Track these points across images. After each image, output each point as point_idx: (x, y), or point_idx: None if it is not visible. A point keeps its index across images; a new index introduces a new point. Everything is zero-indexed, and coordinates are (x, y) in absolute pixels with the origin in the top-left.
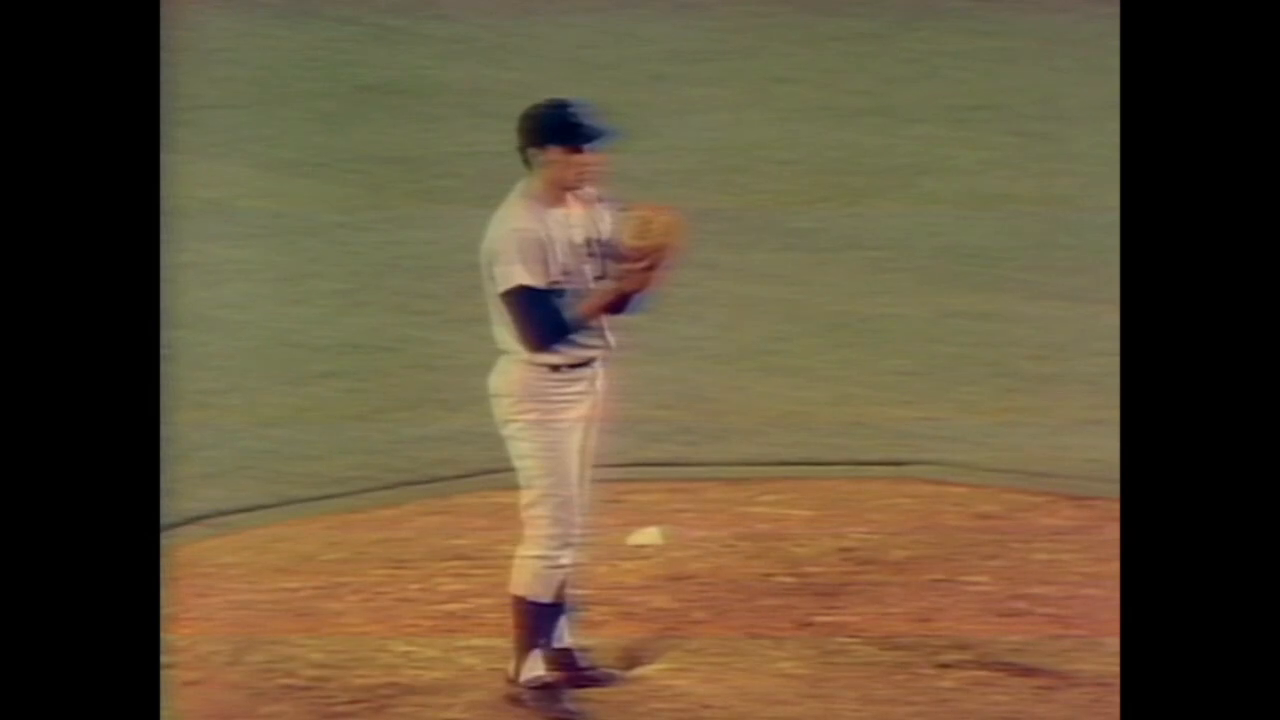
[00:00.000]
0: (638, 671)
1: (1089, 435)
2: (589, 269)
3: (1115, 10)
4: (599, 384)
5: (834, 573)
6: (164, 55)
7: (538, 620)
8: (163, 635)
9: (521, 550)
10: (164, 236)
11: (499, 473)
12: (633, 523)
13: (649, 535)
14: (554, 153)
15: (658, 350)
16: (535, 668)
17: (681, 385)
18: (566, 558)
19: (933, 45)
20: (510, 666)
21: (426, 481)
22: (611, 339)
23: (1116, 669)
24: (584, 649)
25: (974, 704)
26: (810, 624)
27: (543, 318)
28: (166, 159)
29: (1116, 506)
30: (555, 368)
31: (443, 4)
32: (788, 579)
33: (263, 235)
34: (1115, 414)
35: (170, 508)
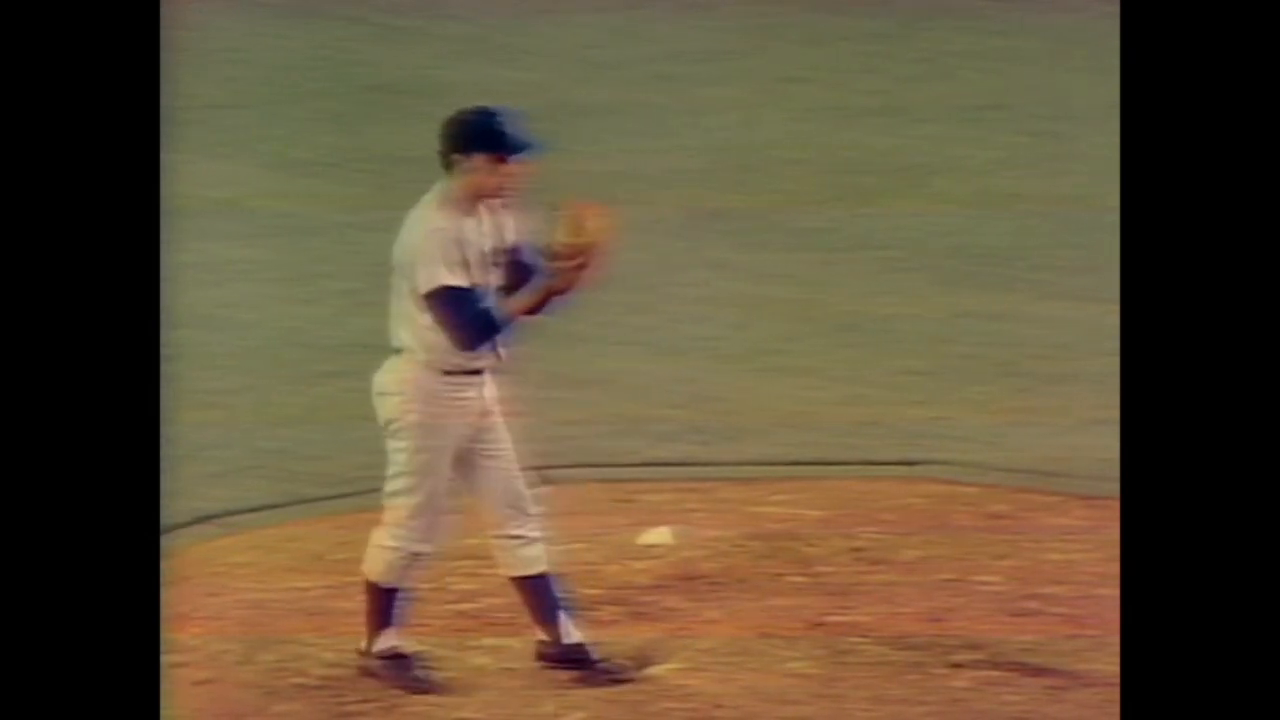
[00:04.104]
0: (649, 671)
1: (1100, 435)
2: (493, 279)
3: None
4: (487, 392)
5: (845, 572)
6: (172, 55)
7: (389, 603)
8: (163, 636)
9: (377, 538)
10: (173, 236)
11: None
12: (644, 522)
13: (660, 535)
14: (478, 160)
15: (669, 350)
16: (388, 640)
17: (693, 385)
18: (425, 549)
19: (943, 45)
20: (362, 643)
21: None
22: (504, 352)
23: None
24: (595, 644)
25: (986, 704)
26: (822, 624)
27: (473, 316)
28: (176, 159)
29: None
30: (448, 372)
31: (451, 4)
32: (799, 579)
33: (272, 235)
34: None
35: (180, 507)
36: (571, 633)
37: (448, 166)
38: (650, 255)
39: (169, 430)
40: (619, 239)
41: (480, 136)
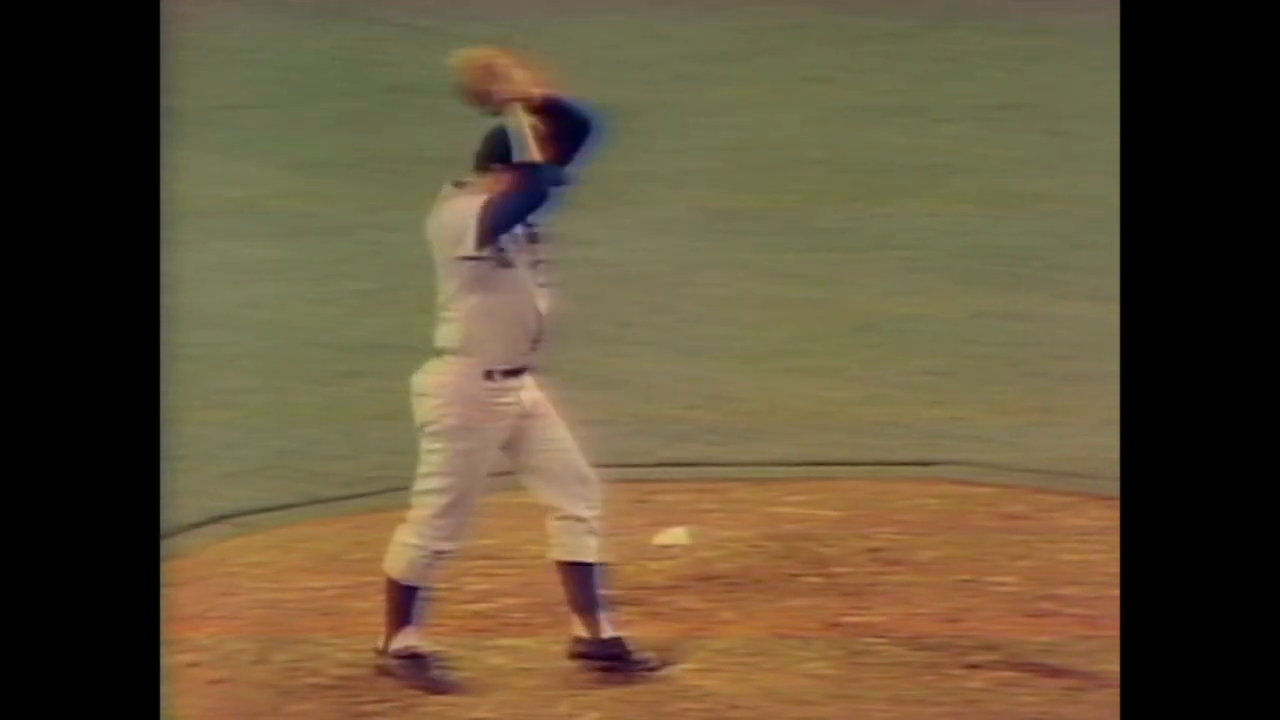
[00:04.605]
0: (665, 671)
1: (1117, 435)
2: (525, 256)
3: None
4: (526, 395)
5: (861, 573)
6: (189, 56)
7: (409, 601)
8: (163, 635)
9: (401, 535)
10: (192, 237)
11: None
12: (659, 523)
13: (676, 535)
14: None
15: (686, 350)
16: (406, 639)
17: (709, 385)
18: (449, 547)
19: (962, 44)
20: (380, 641)
21: None
22: (536, 357)
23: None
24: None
25: (1002, 704)
26: (838, 624)
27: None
28: (194, 159)
29: None
30: (489, 374)
31: (472, 3)
32: (815, 579)
33: (290, 235)
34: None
35: (196, 506)
36: (609, 627)
37: (481, 169)
38: (668, 255)
39: (187, 430)
40: (635, 240)
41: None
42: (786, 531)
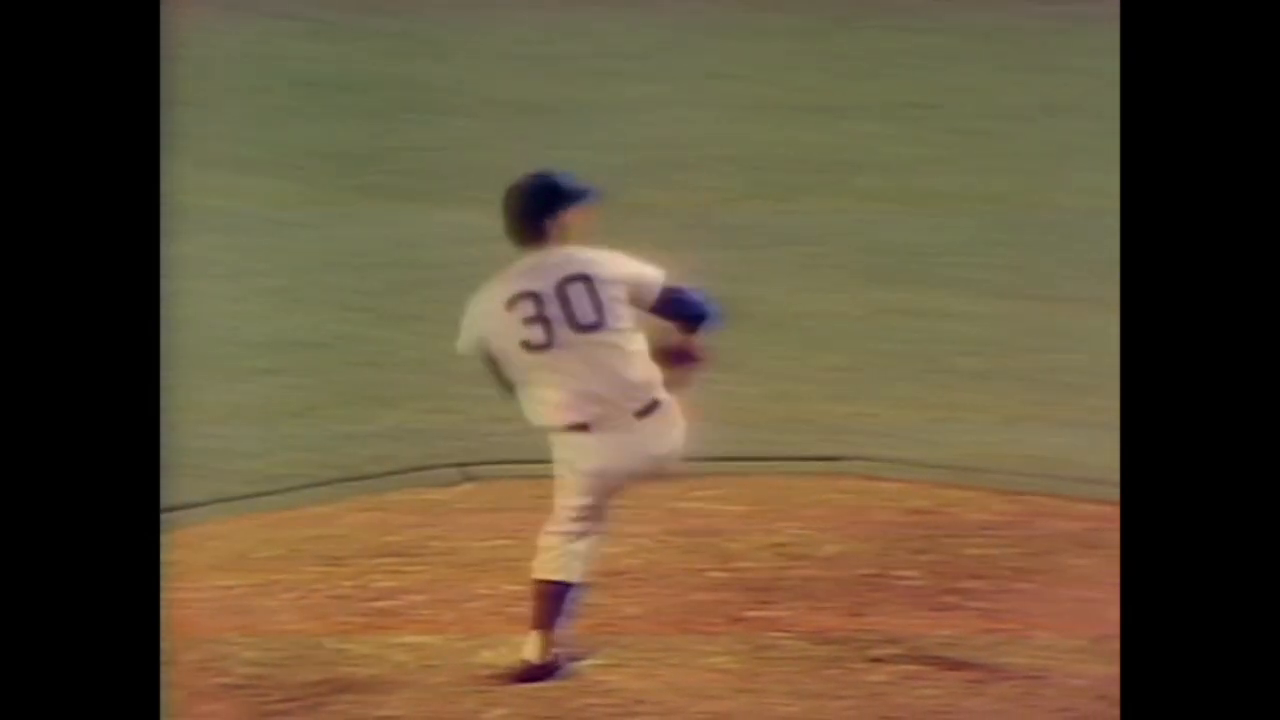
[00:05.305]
0: (570, 667)
1: (1021, 431)
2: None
3: (1058, 9)
4: (665, 438)
5: (766, 568)
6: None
7: (560, 600)
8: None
9: (546, 541)
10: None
11: (432, 469)
12: None
13: None
14: (568, 215)
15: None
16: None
17: None
18: (591, 538)
19: (871, 43)
20: (527, 649)
21: (360, 479)
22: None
23: (1046, 662)
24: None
25: (905, 698)
26: (742, 619)
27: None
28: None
29: (1047, 501)
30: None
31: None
32: (720, 575)
33: (201, 232)
34: (1047, 410)
35: None
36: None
37: (533, 233)
38: None
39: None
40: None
41: (564, 194)
42: (692, 527)
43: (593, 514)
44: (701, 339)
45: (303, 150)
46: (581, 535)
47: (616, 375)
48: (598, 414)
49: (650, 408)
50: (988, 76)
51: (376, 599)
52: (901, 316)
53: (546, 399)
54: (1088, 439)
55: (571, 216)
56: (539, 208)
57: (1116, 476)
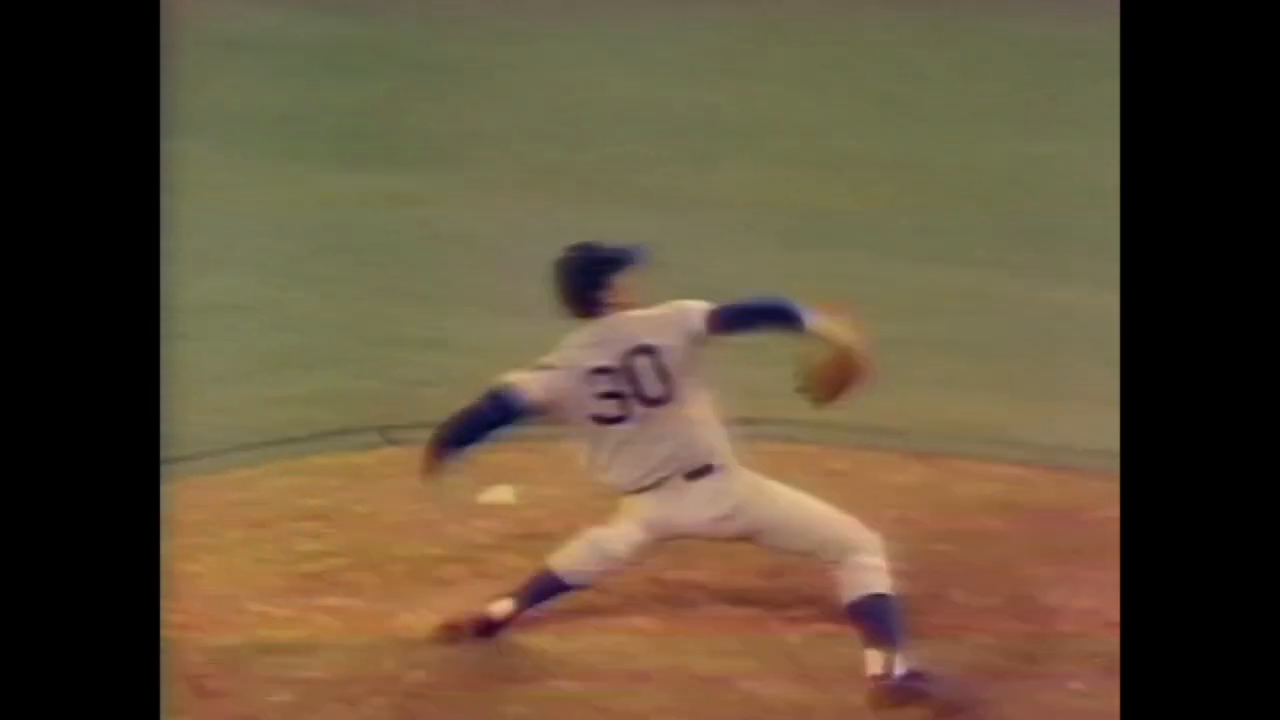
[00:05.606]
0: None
1: (938, 395)
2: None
3: None
4: (714, 504)
5: None
6: None
7: (550, 593)
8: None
9: (586, 532)
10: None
11: (353, 432)
12: (485, 481)
13: (501, 493)
14: (624, 281)
15: (510, 311)
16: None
17: (537, 345)
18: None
19: (787, 6)
20: (879, 663)
21: (282, 442)
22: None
23: (958, 622)
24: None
25: (821, 658)
26: (661, 580)
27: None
28: None
29: (963, 464)
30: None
31: None
32: None
33: None
34: (967, 374)
35: None
36: (900, 663)
37: (588, 305)
38: (492, 214)
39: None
40: (462, 199)
41: (611, 263)
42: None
43: (638, 551)
44: (854, 353)
45: (222, 113)
46: (614, 558)
47: (680, 443)
48: (660, 477)
49: (702, 471)
50: (902, 37)
51: (299, 562)
52: (818, 279)
53: (612, 466)
54: (1006, 403)
55: (622, 282)
56: (589, 281)
57: (1030, 438)
